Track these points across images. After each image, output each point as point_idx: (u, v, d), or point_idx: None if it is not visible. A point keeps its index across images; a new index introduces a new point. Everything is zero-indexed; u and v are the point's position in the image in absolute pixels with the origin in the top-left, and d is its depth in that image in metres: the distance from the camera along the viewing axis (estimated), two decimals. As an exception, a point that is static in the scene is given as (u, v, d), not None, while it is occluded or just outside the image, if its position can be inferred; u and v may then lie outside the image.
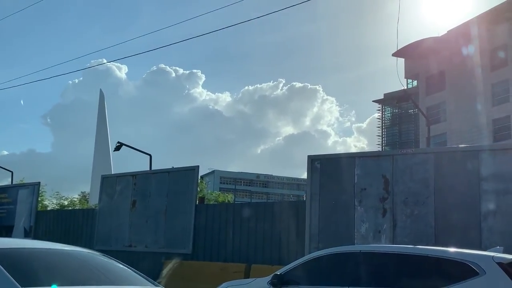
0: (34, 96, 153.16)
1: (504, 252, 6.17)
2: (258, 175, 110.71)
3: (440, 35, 49.58)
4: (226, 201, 51.75)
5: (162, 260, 13.11)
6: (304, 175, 11.50)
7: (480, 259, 5.69)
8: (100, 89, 48.50)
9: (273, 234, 11.94)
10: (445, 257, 5.93)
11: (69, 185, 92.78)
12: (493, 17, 44.15)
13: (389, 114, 61.91)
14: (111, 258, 5.57)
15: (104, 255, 5.60)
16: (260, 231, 12.20)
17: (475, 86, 43.91)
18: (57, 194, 37.55)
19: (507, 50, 42.34)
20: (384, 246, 8.59)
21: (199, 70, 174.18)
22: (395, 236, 9.99)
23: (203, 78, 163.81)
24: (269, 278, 7.02)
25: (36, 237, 17.38)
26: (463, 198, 9.51)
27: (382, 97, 60.52)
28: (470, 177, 9.48)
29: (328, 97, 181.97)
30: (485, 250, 6.75)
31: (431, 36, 50.34)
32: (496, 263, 5.53)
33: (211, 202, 37.56)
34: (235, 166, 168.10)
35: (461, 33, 45.82)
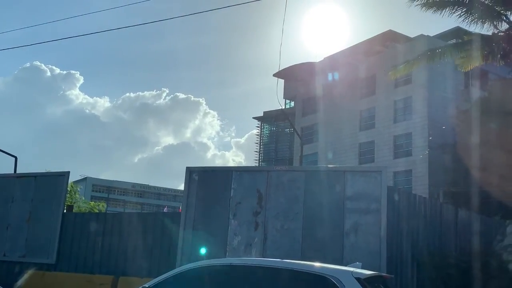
0: None
1: (362, 268, 6.65)
2: (133, 184, 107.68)
3: (317, 61, 52.52)
4: (98, 210, 49.55)
5: (22, 270, 12.20)
6: (182, 186, 11.49)
7: (340, 274, 6.07)
8: (-38, 82, 44.17)
9: (145, 245, 11.70)
10: (308, 271, 6.23)
11: None
12: (365, 48, 47.83)
13: (267, 132, 63.88)
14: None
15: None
16: (132, 242, 11.89)
17: (345, 111, 47.08)
18: None
19: (375, 80, 45.98)
20: (254, 259, 8.79)
21: (77, 72, 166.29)
22: (265, 250, 10.30)
23: (81, 80, 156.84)
24: (137, 290, 6.85)
25: None
26: (329, 215, 10.09)
27: (262, 114, 62.36)
28: (336, 195, 10.10)
29: (210, 110, 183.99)
30: (346, 265, 7.20)
31: (309, 61, 53.16)
32: (355, 278, 5.93)
33: (83, 211, 35.72)
34: (109, 174, 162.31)
35: (336, 60, 48.99)
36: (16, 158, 17.23)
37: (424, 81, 40.44)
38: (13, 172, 16.03)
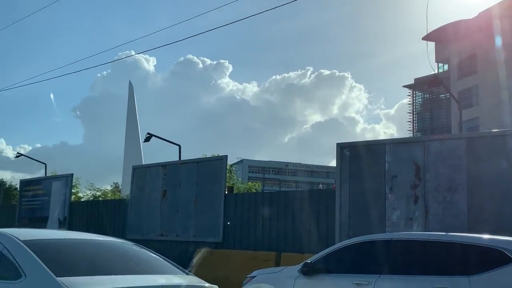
0: (63, 89, 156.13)
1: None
2: (286, 164, 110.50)
3: (471, 18, 48.33)
4: (255, 190, 51.96)
5: (193, 249, 13.25)
6: (333, 163, 11.41)
7: (514, 245, 5.56)
8: (130, 81, 48.99)
9: (303, 222, 11.92)
10: (477, 244, 5.81)
11: (101, 176, 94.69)
12: (527, -3, 42.75)
13: (419, 100, 60.80)
14: (143, 248, 5.66)
15: (136, 245, 5.69)
16: (290, 219, 12.20)
17: (508, 69, 42.71)
18: (91, 186, 38.35)
19: (542, 31, 40.97)
20: (416, 233, 8.49)
21: (226, 60, 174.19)
22: (427, 224, 9.85)
23: (230, 68, 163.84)
24: (299, 266, 7.02)
25: (70, 227, 17.81)
26: (497, 184, 9.28)
27: (413, 82, 59.46)
28: (504, 162, 9.24)
29: (357, 84, 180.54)
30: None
31: (462, 18, 49.20)
32: (532, 250, 5.39)
33: (242, 191, 37.72)
34: (262, 155, 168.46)
35: (493, 15, 44.51)
36: (179, 146, 18.57)
37: None
38: (178, 159, 17.31)
